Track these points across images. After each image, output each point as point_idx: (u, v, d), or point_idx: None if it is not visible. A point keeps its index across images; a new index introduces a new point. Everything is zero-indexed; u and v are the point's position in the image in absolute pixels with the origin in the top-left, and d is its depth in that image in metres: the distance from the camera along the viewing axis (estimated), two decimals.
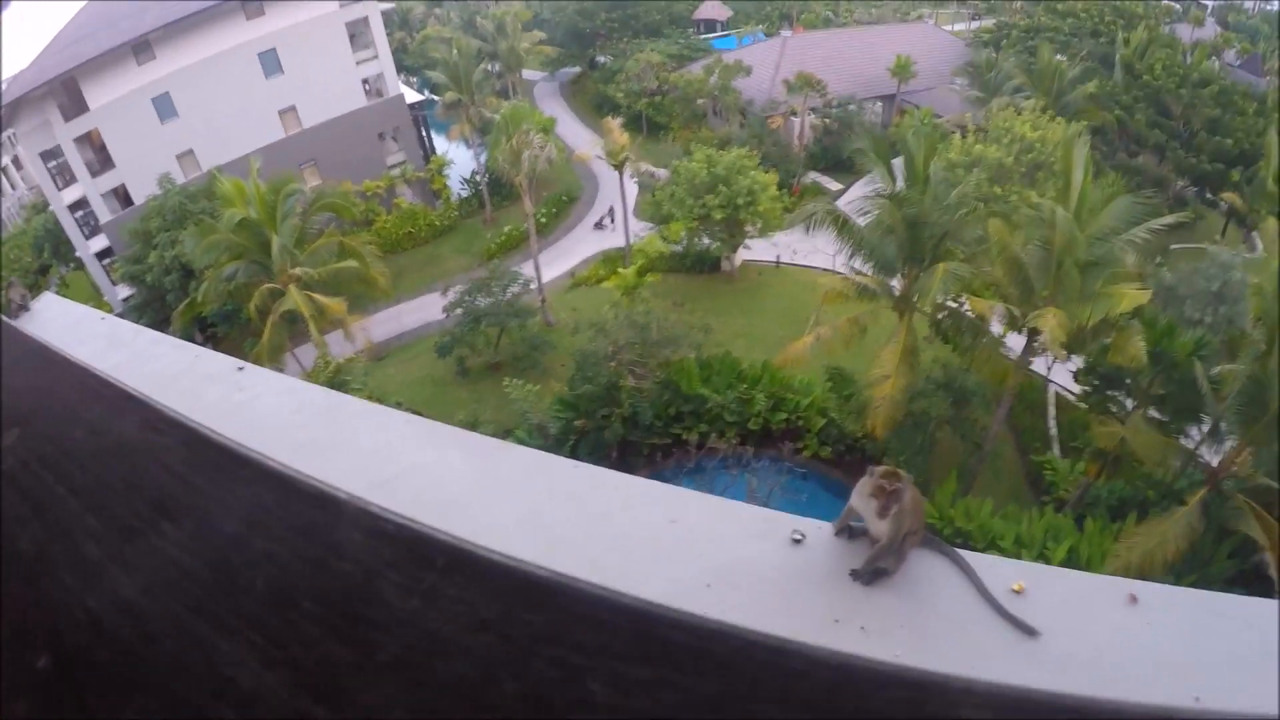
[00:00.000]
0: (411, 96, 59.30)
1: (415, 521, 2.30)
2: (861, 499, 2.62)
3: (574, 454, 28.46)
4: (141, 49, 44.38)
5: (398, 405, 31.06)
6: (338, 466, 2.92)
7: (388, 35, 57.60)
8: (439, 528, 2.41)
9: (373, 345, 37.45)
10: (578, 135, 62.49)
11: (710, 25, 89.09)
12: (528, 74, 79.40)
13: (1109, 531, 24.10)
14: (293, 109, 50.48)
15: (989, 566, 2.47)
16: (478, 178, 56.51)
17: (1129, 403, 25.71)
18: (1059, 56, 54.80)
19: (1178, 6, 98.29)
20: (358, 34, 52.61)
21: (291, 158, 46.89)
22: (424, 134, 60.83)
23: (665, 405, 30.14)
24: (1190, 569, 22.62)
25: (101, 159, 45.80)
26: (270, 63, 48.83)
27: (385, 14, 56.46)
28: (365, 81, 54.09)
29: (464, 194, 58.45)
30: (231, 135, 46.33)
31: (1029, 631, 2.24)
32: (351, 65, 52.72)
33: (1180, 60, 55.19)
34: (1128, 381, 25.36)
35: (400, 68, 67.50)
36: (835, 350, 26.90)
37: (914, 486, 2.68)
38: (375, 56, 53.95)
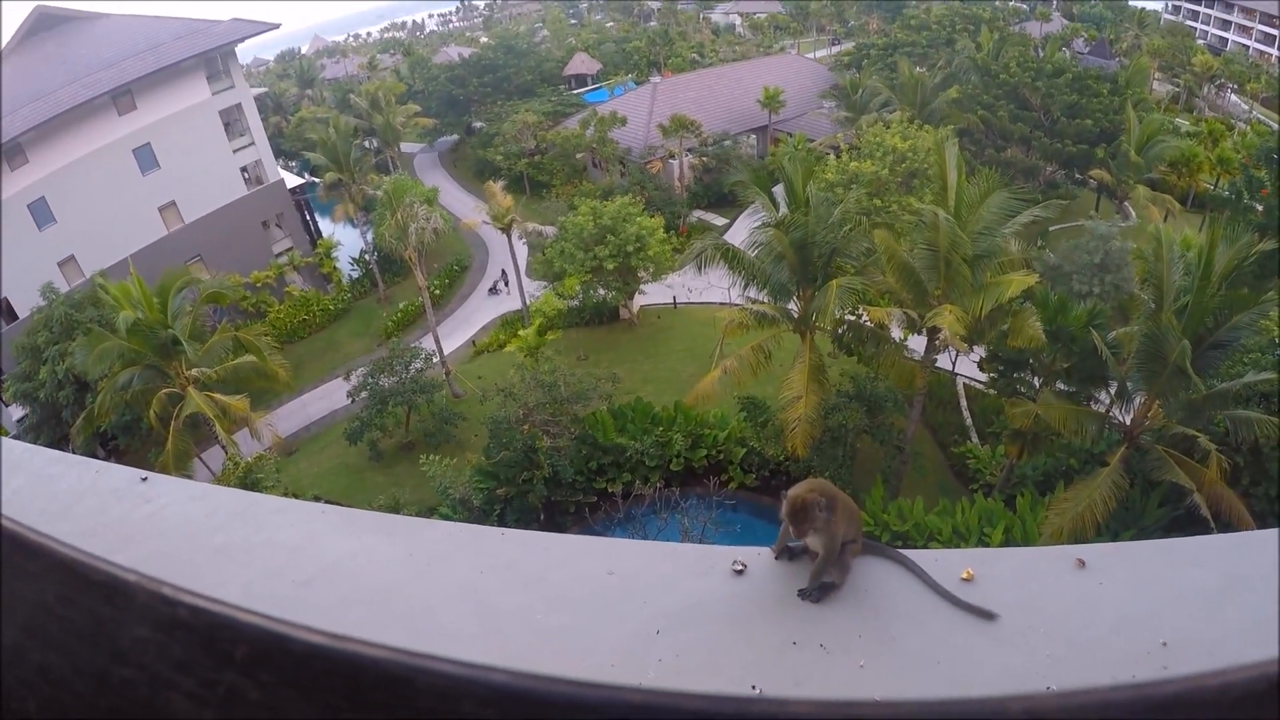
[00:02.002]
0: (292, 180, 58.59)
1: (343, 640, 2.19)
2: (787, 519, 2.59)
3: (501, 522, 28.13)
4: (13, 152, 42.54)
5: (315, 499, 30.41)
6: (255, 571, 2.77)
7: (262, 120, 56.96)
8: (369, 639, 2.29)
9: (281, 440, 36.55)
10: (462, 202, 62.37)
11: (581, 80, 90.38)
12: (406, 146, 79.35)
13: (1040, 506, 24.86)
14: (173, 204, 49.10)
15: (934, 560, 2.45)
16: (367, 256, 55.86)
17: (1036, 381, 26.63)
18: (919, 69, 56.85)
19: (1024, 6, 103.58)
20: (232, 121, 51.73)
21: (176, 255, 45.51)
22: (308, 217, 60.10)
23: (585, 460, 30.06)
24: (1125, 525, 23.44)
25: None
26: (146, 158, 47.49)
27: (258, 99, 55.86)
28: (244, 169, 53.12)
29: (355, 274, 57.70)
30: (112, 237, 44.90)
31: (987, 615, 2.21)
32: (228, 154, 51.68)
33: (1033, 55, 57.90)
34: (1031, 361, 26.36)
35: (278, 152, 66.67)
36: (744, 380, 27.08)
37: (842, 494, 2.65)
38: (252, 143, 53.10)
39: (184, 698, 0.74)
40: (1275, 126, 55.23)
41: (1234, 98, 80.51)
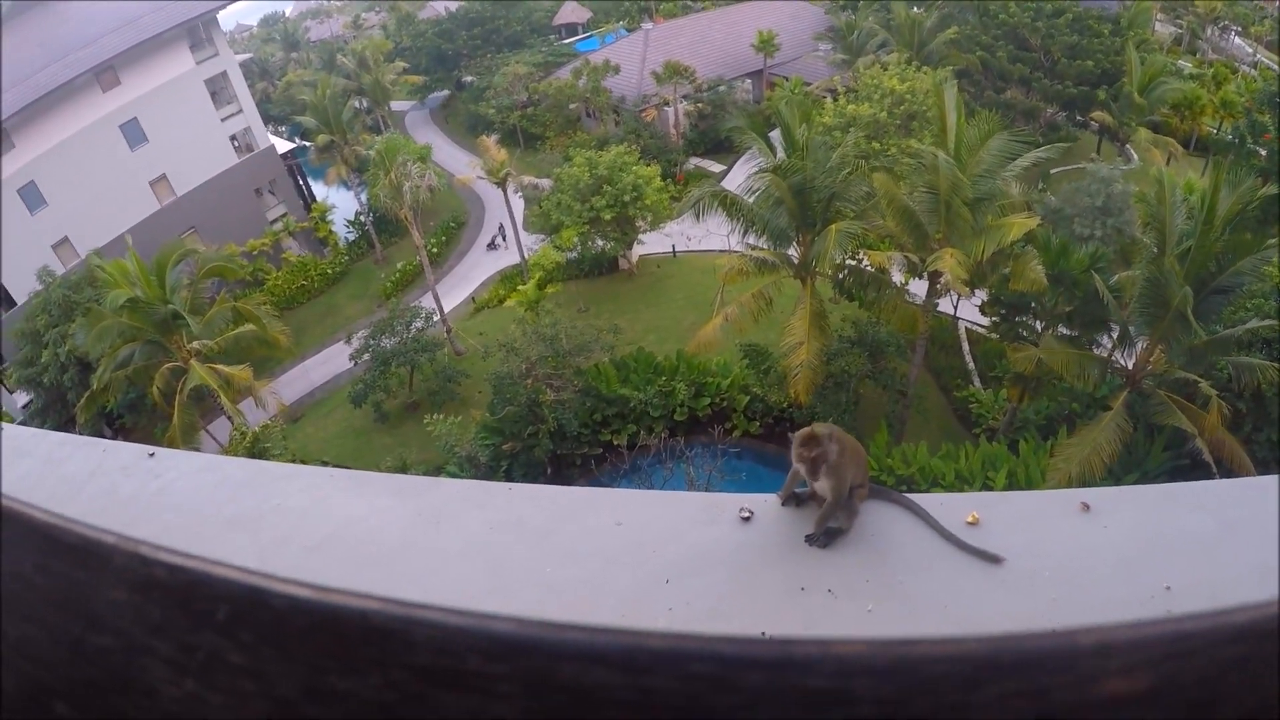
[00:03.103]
0: (283, 146, 58.01)
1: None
2: (797, 463, 2.59)
3: (508, 477, 28.31)
4: None
5: (323, 463, 30.54)
6: (267, 538, 2.80)
7: (249, 87, 56.30)
8: (379, 593, 2.31)
9: (286, 407, 36.64)
10: (456, 159, 61.87)
11: (572, 29, 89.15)
12: (396, 105, 78.41)
13: (1043, 450, 24.96)
14: (163, 178, 48.69)
15: (939, 504, 2.46)
16: (362, 218, 55.50)
17: (1038, 325, 26.57)
18: (915, 9, 56.09)
19: None
20: (219, 90, 51.09)
21: (170, 228, 45.09)
22: (301, 182, 59.65)
23: (589, 412, 30.12)
24: (1129, 469, 23.55)
25: None
26: (134, 133, 46.98)
27: (244, 65, 55.19)
28: (233, 138, 52.60)
29: (351, 237, 57.32)
30: (105, 215, 44.52)
31: (993, 559, 2.23)
32: (217, 123, 51.14)
33: None
34: (1033, 305, 26.27)
35: (267, 118, 65.92)
36: (745, 327, 27.08)
37: (850, 437, 2.65)
38: (240, 111, 52.52)
39: (162, 664, 0.71)
40: (1279, 70, 54.52)
41: (1238, 40, 79.14)
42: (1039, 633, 0.55)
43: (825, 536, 2.46)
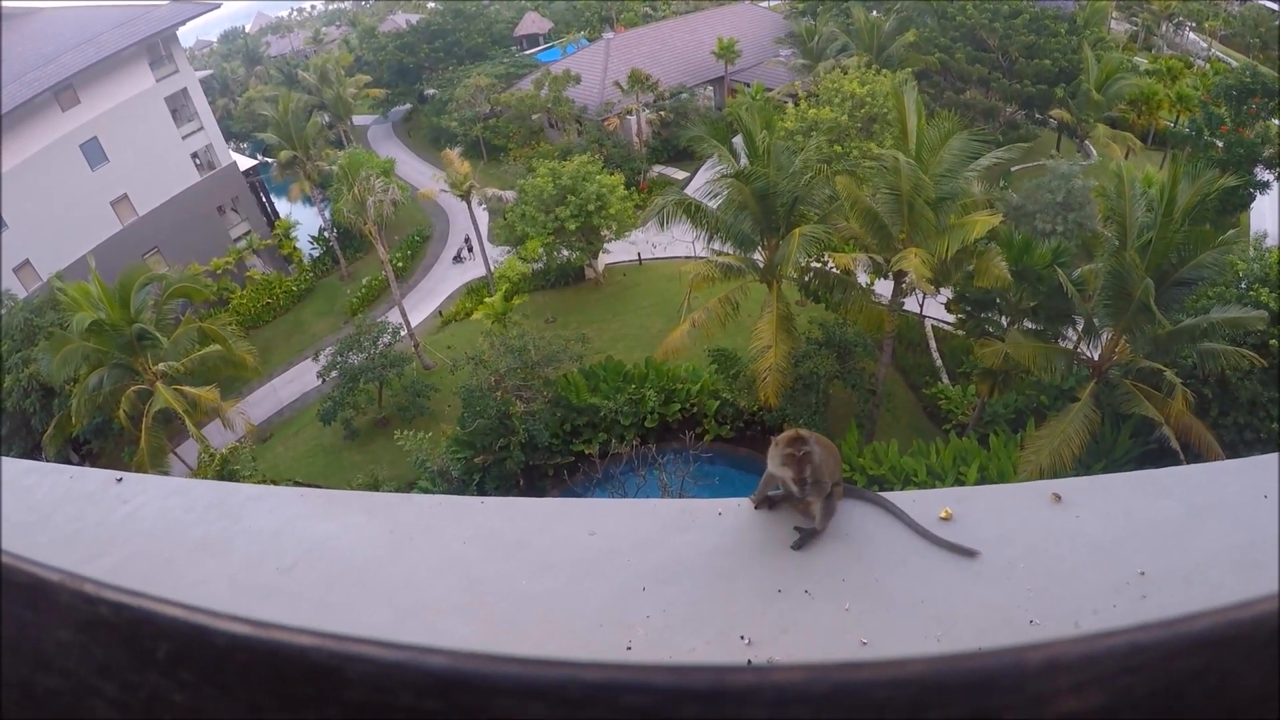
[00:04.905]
0: (245, 163, 57.58)
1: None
2: (776, 468, 2.59)
3: (480, 491, 28.16)
4: None
5: (294, 483, 30.29)
6: (237, 562, 2.77)
7: (210, 103, 55.73)
8: (353, 614, 2.28)
9: (255, 427, 36.28)
10: (419, 172, 61.64)
11: (533, 40, 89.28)
12: (359, 119, 78.11)
13: (1013, 443, 25.23)
14: (125, 197, 47.98)
15: (913, 501, 2.47)
16: (326, 234, 55.15)
17: (1004, 320, 26.89)
18: (874, 13, 56.60)
19: None
20: (179, 107, 50.54)
21: (132, 249, 44.76)
22: (264, 199, 59.23)
23: (560, 422, 30.08)
24: (1097, 458, 23.84)
25: None
26: (94, 152, 46.25)
27: (204, 81, 54.64)
28: (195, 155, 51.96)
29: (315, 253, 56.95)
30: (66, 236, 43.82)
31: (968, 553, 2.24)
32: (178, 141, 50.50)
33: None
34: (998, 301, 26.62)
35: (228, 135, 65.43)
36: (713, 332, 27.12)
37: (825, 439, 2.66)
38: (201, 128, 51.95)
39: (106, 705, 0.69)
40: (1233, 64, 55.41)
41: (1192, 35, 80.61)
42: (986, 652, 0.54)
43: (800, 538, 2.47)
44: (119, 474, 3.63)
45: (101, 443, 38.12)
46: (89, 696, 0.66)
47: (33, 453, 35.28)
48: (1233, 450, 22.75)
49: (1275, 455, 2.37)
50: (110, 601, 0.71)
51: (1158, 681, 0.53)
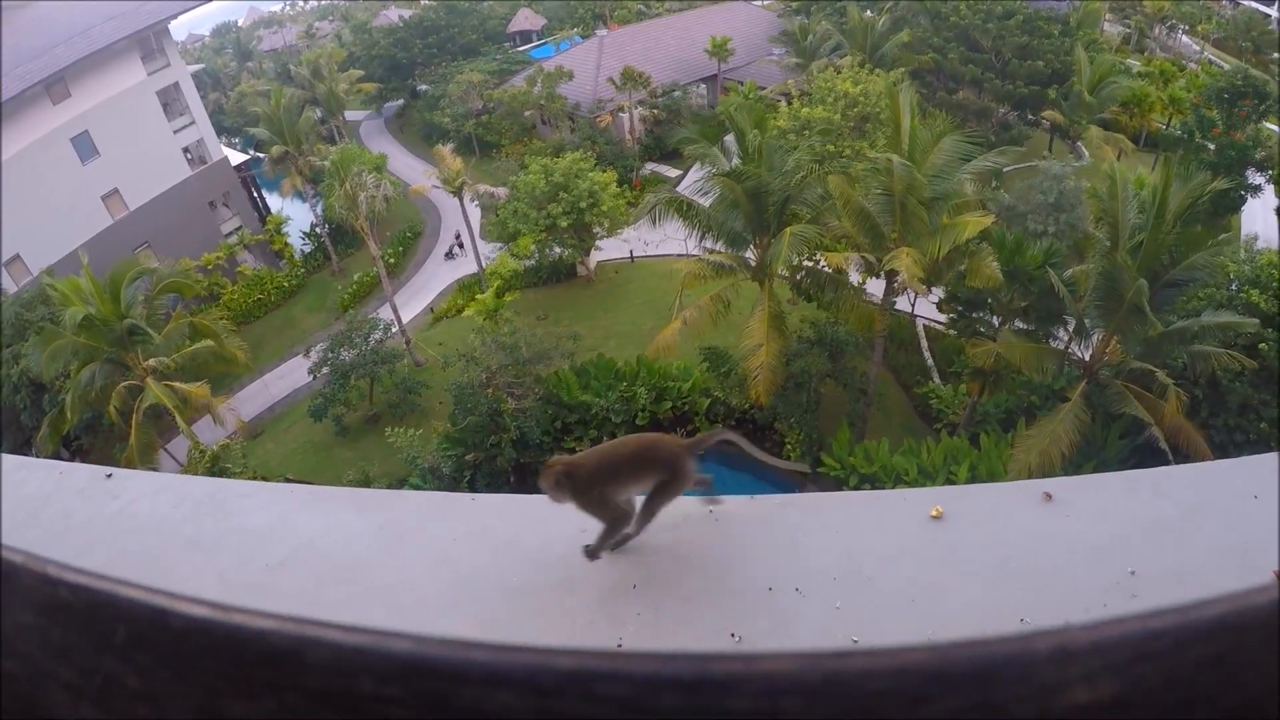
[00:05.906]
0: (236, 158, 57.21)
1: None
2: (569, 503, 2.58)
3: (471, 488, 28.18)
4: None
5: (284, 479, 30.19)
6: (227, 558, 2.76)
7: (202, 97, 55.48)
8: (344, 610, 2.27)
9: (245, 424, 36.18)
10: (411, 168, 61.40)
11: (526, 36, 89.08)
12: (351, 115, 77.72)
13: (1004, 442, 25.30)
14: (116, 192, 47.67)
15: (902, 499, 2.47)
16: (318, 230, 54.92)
17: (995, 320, 26.96)
18: (868, 13, 56.63)
19: None
20: (171, 101, 50.29)
21: (123, 244, 44.38)
22: (255, 195, 58.84)
23: (551, 420, 30.10)
24: (1087, 458, 23.93)
25: None
26: (85, 146, 45.95)
27: (196, 76, 54.33)
28: (186, 150, 51.71)
29: (307, 249, 56.67)
30: (56, 231, 43.62)
31: (803, 474, 2.25)
32: (169, 135, 50.23)
33: None
34: (989, 301, 26.67)
35: (220, 130, 65.06)
36: (704, 330, 27.15)
37: (621, 440, 2.66)
38: (192, 122, 51.72)
39: (63, 690, 0.67)
40: (1226, 67, 55.60)
41: (1185, 38, 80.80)
42: (991, 639, 0.52)
43: (595, 548, 2.48)
44: (109, 470, 3.61)
45: (92, 439, 37.92)
46: (46, 681, 0.65)
47: (23, 449, 35.07)
48: (1222, 451, 22.86)
49: (1265, 456, 2.38)
50: (70, 583, 0.69)
51: (1172, 670, 0.51)
